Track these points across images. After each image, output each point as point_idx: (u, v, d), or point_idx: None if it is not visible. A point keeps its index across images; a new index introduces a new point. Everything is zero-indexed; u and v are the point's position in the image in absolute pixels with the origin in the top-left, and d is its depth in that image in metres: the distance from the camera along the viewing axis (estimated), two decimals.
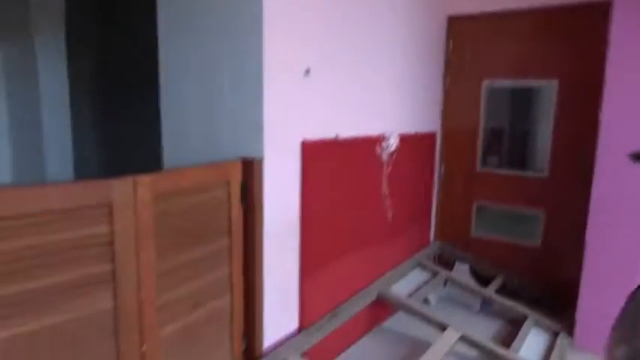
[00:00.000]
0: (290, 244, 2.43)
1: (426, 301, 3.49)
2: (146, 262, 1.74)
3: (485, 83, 3.76)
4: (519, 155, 3.84)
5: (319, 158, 2.51)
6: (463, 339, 2.77)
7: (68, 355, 1.56)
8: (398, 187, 3.26)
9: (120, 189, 1.63)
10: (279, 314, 2.41)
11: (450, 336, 2.75)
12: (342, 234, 2.77)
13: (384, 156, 3.07)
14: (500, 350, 2.73)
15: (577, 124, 3.39)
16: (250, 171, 2.15)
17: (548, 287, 3.54)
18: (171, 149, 2.47)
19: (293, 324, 2.51)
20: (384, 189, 3.12)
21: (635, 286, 1.70)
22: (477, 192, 3.84)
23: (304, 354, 2.38)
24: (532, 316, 3.19)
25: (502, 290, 3.50)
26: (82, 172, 3.67)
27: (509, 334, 3.06)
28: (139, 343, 1.76)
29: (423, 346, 2.73)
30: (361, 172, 2.89)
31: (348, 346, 2.93)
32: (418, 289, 3.28)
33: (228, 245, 2.12)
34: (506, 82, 3.71)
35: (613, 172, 2.81)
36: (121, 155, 3.73)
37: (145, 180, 1.71)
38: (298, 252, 2.47)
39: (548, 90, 3.50)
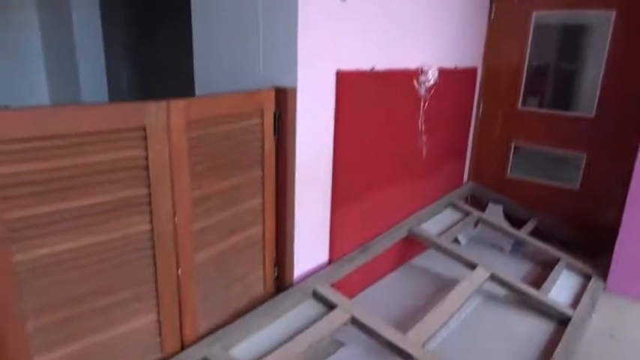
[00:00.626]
0: (322, 176, 2.40)
1: (456, 240, 3.47)
2: (180, 187, 1.75)
3: (535, 15, 3.48)
4: (564, 95, 3.63)
5: (354, 90, 2.41)
6: (493, 278, 2.76)
7: (108, 274, 1.62)
8: (434, 124, 3.15)
9: (154, 113, 1.61)
10: (310, 246, 2.43)
11: (480, 274, 2.74)
12: (374, 169, 2.73)
13: (422, 91, 2.93)
14: (531, 290, 2.72)
15: (632, 62, 3.13)
16: (284, 101, 2.09)
17: (584, 231, 3.46)
18: (203, 77, 2.42)
19: (323, 256, 2.54)
20: (420, 125, 3.01)
21: None
22: (516, 132, 3.68)
23: (333, 285, 2.41)
24: (564, 258, 3.14)
25: (535, 233, 3.44)
26: (117, 99, 3.68)
27: (540, 276, 3.03)
28: (175, 267, 1.81)
29: (451, 283, 2.74)
30: (397, 106, 2.78)
31: (377, 280, 2.98)
32: (449, 228, 3.25)
33: (260, 176, 2.11)
34: (558, 15, 3.42)
35: None
36: (154, 83, 3.70)
37: (179, 104, 1.68)
38: (330, 185, 2.45)
39: (602, 25, 3.21)
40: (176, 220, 1.76)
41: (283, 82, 2.10)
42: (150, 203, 1.67)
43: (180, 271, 1.82)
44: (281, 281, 2.33)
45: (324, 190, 2.44)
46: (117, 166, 1.56)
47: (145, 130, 1.59)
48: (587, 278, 3.02)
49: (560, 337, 2.38)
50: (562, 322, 2.57)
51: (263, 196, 2.15)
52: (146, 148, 1.61)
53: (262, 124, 2.05)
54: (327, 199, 2.47)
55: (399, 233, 2.97)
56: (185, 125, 1.71)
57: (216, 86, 2.36)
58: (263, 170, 2.11)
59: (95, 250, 1.56)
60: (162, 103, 1.62)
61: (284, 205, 2.22)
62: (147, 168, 1.63)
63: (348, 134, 2.45)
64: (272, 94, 2.07)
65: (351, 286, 2.65)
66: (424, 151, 3.14)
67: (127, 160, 1.58)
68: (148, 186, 1.65)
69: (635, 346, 2.47)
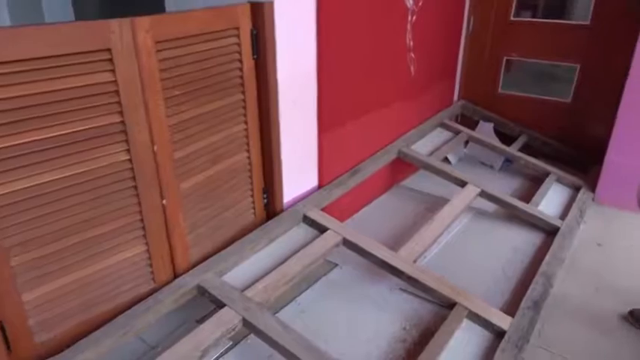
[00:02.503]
0: (307, 99, 2.31)
1: (446, 160, 3.45)
2: (156, 114, 1.66)
3: None
4: (558, 3, 3.47)
5: (337, 2, 2.25)
6: (483, 194, 2.77)
7: (91, 206, 1.57)
8: (423, 39, 3.01)
9: (117, 32, 1.48)
10: (298, 171, 2.40)
11: (470, 191, 2.75)
12: (362, 89, 2.63)
13: (409, 2, 2.76)
14: (520, 204, 2.74)
15: None
16: (260, 17, 1.95)
17: (575, 145, 3.44)
18: None
19: (312, 181, 2.52)
20: (408, 40, 2.87)
21: None
22: (508, 45, 3.54)
23: (324, 209, 2.41)
24: (554, 172, 3.15)
25: (526, 149, 3.42)
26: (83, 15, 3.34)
27: (530, 191, 3.05)
28: (160, 197, 1.77)
29: (442, 202, 2.75)
30: (383, 20, 2.63)
31: (368, 203, 2.99)
32: (439, 148, 3.21)
33: (241, 100, 2.02)
34: None
35: None
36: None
37: (145, 22, 1.55)
38: (315, 107, 2.37)
39: None
40: (155, 148, 1.69)
41: None
42: (125, 132, 1.59)
43: (165, 201, 1.79)
44: (271, 208, 2.32)
45: (310, 113, 2.36)
46: (84, 92, 1.46)
47: (110, 51, 1.48)
48: (577, 190, 3.04)
49: (549, 247, 2.43)
50: (551, 232, 2.61)
51: (246, 122, 2.07)
52: (114, 72, 1.50)
53: (239, 44, 1.93)
54: (313, 122, 2.40)
55: (388, 155, 2.93)
56: (154, 45, 1.59)
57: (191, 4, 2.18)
58: (244, 94, 2.01)
59: (74, 182, 1.51)
60: (126, 21, 1.49)
61: (268, 130, 2.15)
62: (117, 93, 1.53)
63: (332, 52, 2.32)
64: (247, 10, 1.92)
65: (342, 210, 2.66)
66: (413, 69, 3.02)
67: (95, 86, 1.48)
68: (121, 113, 1.56)
69: (620, 253, 2.54)
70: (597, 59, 3.24)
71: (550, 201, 2.89)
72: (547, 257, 2.33)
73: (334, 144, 2.55)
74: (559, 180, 3.12)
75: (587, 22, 3.21)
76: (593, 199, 3.00)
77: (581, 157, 3.39)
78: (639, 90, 2.70)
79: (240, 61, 1.96)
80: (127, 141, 1.60)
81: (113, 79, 1.51)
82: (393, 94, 2.95)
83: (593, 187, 3.03)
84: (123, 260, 1.72)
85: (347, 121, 2.60)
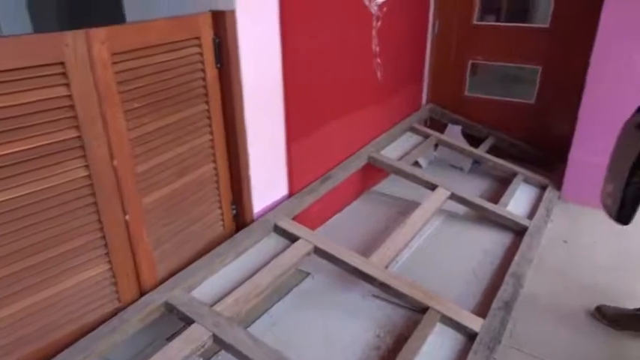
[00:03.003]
0: (274, 107, 2.29)
1: (416, 164, 3.48)
2: (115, 128, 1.62)
3: None
4: (521, 6, 3.56)
5: (301, 9, 2.25)
6: (453, 197, 2.80)
7: (47, 225, 1.51)
8: (389, 45, 3.03)
9: (71, 45, 1.44)
10: (268, 180, 2.37)
11: (440, 194, 2.77)
12: (329, 96, 2.63)
13: (373, 8, 2.78)
14: (489, 205, 2.78)
15: None
16: (222, 26, 1.92)
17: (541, 145, 3.52)
18: (133, 3, 2.18)
19: (282, 190, 2.50)
20: (374, 46, 2.89)
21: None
22: (473, 49, 3.60)
23: (295, 218, 2.39)
24: (521, 172, 3.22)
25: (494, 150, 3.48)
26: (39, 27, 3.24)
27: (499, 191, 3.11)
28: (122, 213, 1.72)
29: (413, 206, 2.76)
30: (348, 26, 2.64)
31: (339, 210, 2.98)
32: (409, 152, 3.24)
33: (205, 110, 1.99)
34: None
35: (619, 19, 2.59)
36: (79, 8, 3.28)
37: (100, 34, 1.50)
38: (283, 115, 2.35)
39: None
40: (115, 163, 1.64)
41: (220, 5, 1.92)
42: (83, 147, 1.54)
43: (127, 216, 1.73)
44: (241, 219, 2.28)
45: (278, 121, 2.35)
46: (37, 108, 1.41)
47: (63, 64, 1.43)
48: (543, 189, 3.11)
49: (518, 247, 2.47)
50: (519, 232, 2.66)
51: (211, 132, 2.04)
52: (68, 86, 1.45)
53: (201, 53, 1.90)
54: (281, 130, 2.38)
55: (359, 161, 2.94)
56: (110, 57, 1.54)
57: (153, 14, 2.14)
58: (208, 104, 1.98)
59: (30, 201, 1.45)
60: (80, 33, 1.45)
61: (235, 140, 2.12)
62: (73, 108, 1.48)
63: (297, 60, 2.31)
64: (208, 19, 1.90)
65: (313, 218, 2.64)
66: (380, 75, 3.04)
67: (48, 100, 1.42)
68: (78, 128, 1.51)
69: (585, 249, 2.61)
70: (558, 61, 3.33)
71: (518, 201, 2.95)
72: (516, 257, 2.37)
73: (304, 151, 2.54)
74: (526, 180, 3.19)
75: (547, 25, 3.30)
76: (559, 197, 3.07)
77: (546, 157, 3.47)
78: (598, 90, 2.79)
79: (203, 70, 1.93)
80: (84, 156, 1.55)
81: (68, 93, 1.46)
82: (361, 100, 2.95)
83: (559, 186, 3.10)
84: (84, 280, 1.66)
85: (316, 128, 2.59)
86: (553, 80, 3.39)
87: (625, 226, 1.68)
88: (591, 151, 2.89)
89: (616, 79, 2.72)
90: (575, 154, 2.97)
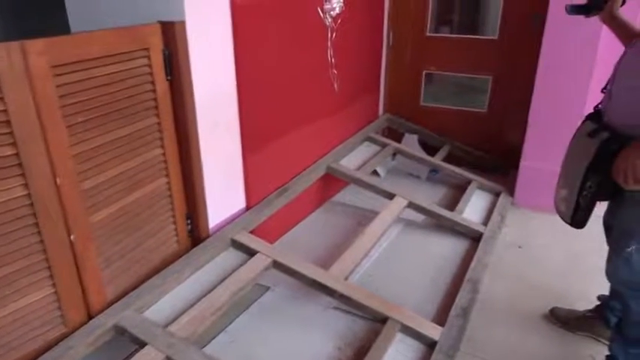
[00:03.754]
0: (228, 119, 2.26)
1: (375, 173, 3.51)
2: (57, 144, 1.54)
3: None
4: (472, 19, 3.69)
5: (254, 20, 2.23)
6: (410, 205, 2.83)
7: None
8: (345, 56, 3.05)
9: (5, 57, 1.36)
10: (224, 194, 2.33)
11: (398, 203, 2.79)
12: (286, 107, 2.61)
13: (328, 20, 2.80)
14: (445, 212, 2.83)
15: None
16: (172, 36, 1.87)
17: (494, 152, 3.62)
18: (78, 15, 2.10)
19: (239, 203, 2.45)
20: (330, 57, 2.90)
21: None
22: (427, 59, 3.68)
23: (253, 232, 2.35)
24: (476, 180, 3.29)
25: (449, 158, 3.55)
26: None
27: (455, 199, 3.17)
28: (66, 233, 1.63)
29: (372, 215, 2.77)
30: (304, 37, 2.64)
31: (298, 222, 2.96)
32: (367, 161, 3.26)
33: (156, 123, 1.93)
34: None
35: (562, 30, 2.72)
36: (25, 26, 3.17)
37: (38, 45, 1.43)
38: (238, 127, 2.32)
39: None
40: (58, 181, 1.56)
41: (169, 15, 1.88)
42: (21, 164, 1.45)
43: (73, 236, 1.65)
44: (196, 234, 2.22)
45: (233, 133, 2.31)
46: None
47: None
48: (497, 196, 3.19)
49: (474, 253, 2.52)
50: (475, 238, 2.71)
51: (163, 146, 1.98)
52: (3, 100, 1.37)
53: (150, 65, 1.84)
54: (237, 142, 2.34)
55: (317, 171, 2.93)
56: (50, 70, 1.47)
57: (99, 25, 2.06)
58: (158, 117, 1.92)
59: None
60: (14, 45, 1.37)
61: (188, 153, 2.07)
62: (9, 124, 1.40)
63: (252, 71, 2.29)
64: (157, 29, 1.85)
65: (272, 231, 2.61)
66: (336, 86, 3.05)
67: None
68: (14, 145, 1.42)
69: (538, 253, 2.69)
70: (507, 71, 3.44)
71: (473, 207, 3.01)
72: (472, 264, 2.41)
73: (261, 163, 2.50)
74: (481, 187, 3.27)
75: (496, 37, 3.42)
76: (512, 203, 3.16)
77: (500, 164, 3.57)
78: (545, 98, 2.90)
79: (153, 83, 1.87)
80: (23, 175, 1.46)
81: (3, 108, 1.37)
82: (318, 110, 2.95)
83: (511, 192, 3.19)
84: (26, 306, 1.56)
85: (272, 139, 2.57)
86: (503, 89, 3.51)
87: (577, 230, 1.73)
88: (541, 157, 3.00)
89: (562, 88, 2.84)
90: (526, 162, 3.07)
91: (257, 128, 2.43)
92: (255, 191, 2.50)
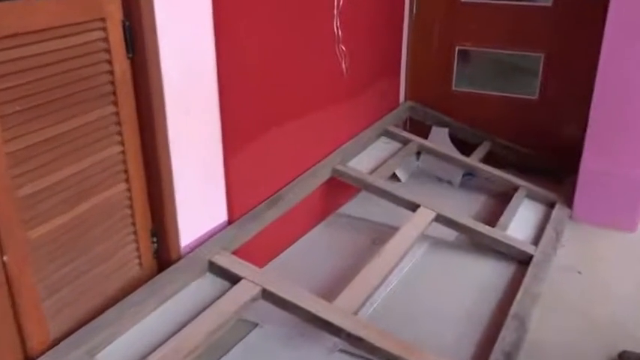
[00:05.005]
0: (206, 107, 2.28)
1: (394, 177, 3.52)
2: None
3: None
4: None
5: None
6: (439, 219, 2.84)
7: None
8: (356, 28, 3.07)
9: None
10: (200, 203, 2.35)
11: (423, 216, 2.80)
12: (280, 93, 2.63)
13: None
14: (485, 228, 2.83)
15: None
16: (135, 4, 1.89)
17: (548, 151, 3.62)
18: None
19: (219, 216, 2.47)
20: (337, 30, 2.92)
21: None
22: (461, 32, 3.70)
23: (236, 252, 2.36)
24: (524, 186, 3.30)
25: (489, 158, 3.56)
26: None
27: (497, 210, 3.17)
28: None
29: (391, 231, 2.77)
30: (304, 5, 2.66)
31: (296, 239, 2.97)
32: (384, 162, 3.28)
33: (114, 113, 1.94)
34: None
35: None
36: None
37: None
38: (218, 118, 2.34)
39: None
40: None
41: None
42: None
43: (6, 257, 1.66)
44: (164, 255, 2.24)
45: (211, 126, 2.33)
46: None
47: None
48: (551, 207, 3.19)
49: (521, 280, 2.52)
50: (523, 262, 2.72)
51: (122, 142, 1.99)
52: None
53: (107, 39, 1.86)
54: (216, 137, 2.36)
55: (320, 175, 2.95)
56: None
57: None
58: (116, 104, 1.94)
59: None
60: None
61: (155, 152, 2.08)
62: None
63: (236, 47, 2.31)
64: None
65: (261, 252, 2.62)
66: (344, 66, 3.07)
67: None
68: None
69: (603, 279, 2.69)
70: (564, 46, 3.45)
71: (520, 222, 3.02)
72: (519, 294, 2.41)
73: (247, 164, 2.52)
74: (530, 195, 3.27)
75: (549, 4, 3.42)
76: (570, 217, 3.16)
77: (554, 166, 3.57)
78: (612, 81, 2.88)
79: (110, 62, 1.89)
80: None
81: None
82: (322, 98, 2.97)
83: (570, 202, 3.19)
84: None
85: (263, 133, 2.58)
86: (559, 70, 3.52)
87: None
88: (607, 158, 2.99)
89: (635, 68, 2.83)
90: (588, 163, 3.06)
91: (243, 120, 2.44)
92: (239, 200, 2.51)
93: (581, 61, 3.25)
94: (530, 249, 2.75)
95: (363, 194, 3.24)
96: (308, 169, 2.93)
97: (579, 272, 2.74)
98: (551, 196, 3.26)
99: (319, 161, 3.02)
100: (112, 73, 1.90)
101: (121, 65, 1.92)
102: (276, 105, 2.63)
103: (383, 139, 3.53)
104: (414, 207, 2.88)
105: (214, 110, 2.31)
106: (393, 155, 3.38)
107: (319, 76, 2.92)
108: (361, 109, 3.39)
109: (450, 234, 2.93)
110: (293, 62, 2.67)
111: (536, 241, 2.85)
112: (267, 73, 2.52)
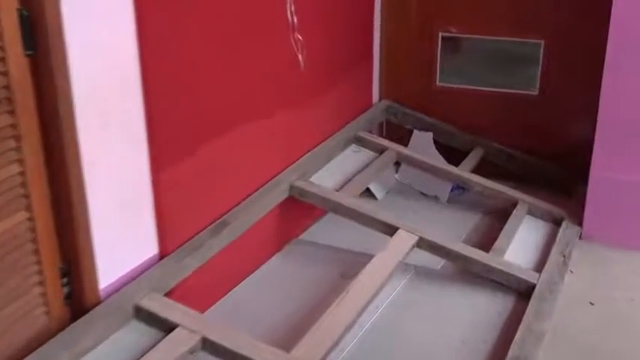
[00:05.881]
0: (127, 116, 2.27)
1: (368, 193, 3.53)
2: None
3: None
4: None
5: None
6: (423, 243, 2.86)
7: None
8: (315, 13, 3.12)
9: None
10: (122, 235, 2.33)
11: (403, 241, 2.82)
12: (222, 95, 2.65)
13: None
14: (477, 254, 2.86)
15: None
16: None
17: (551, 158, 3.69)
18: None
19: (148, 249, 2.45)
20: (290, 16, 2.94)
21: None
22: (444, 15, 3.76)
23: (170, 293, 2.34)
24: (524, 200, 3.34)
25: (482, 168, 3.61)
26: None
27: (492, 231, 3.22)
28: None
29: (363, 261, 2.77)
30: None
31: (246, 276, 2.96)
32: (354, 176, 3.29)
33: (9, 125, 1.92)
34: None
35: None
36: None
37: None
38: (144, 128, 2.33)
39: None
40: None
41: None
42: None
43: None
44: (78, 300, 2.21)
45: (135, 137, 2.31)
46: None
47: None
48: (557, 225, 3.25)
49: (522, 316, 2.55)
50: (524, 293, 2.75)
51: (21, 160, 1.97)
52: None
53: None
54: (142, 150, 2.35)
55: (275, 193, 2.95)
56: None
57: None
58: (13, 114, 1.91)
59: None
60: None
61: (63, 172, 2.06)
62: None
63: (164, 38, 2.31)
64: None
65: (202, 292, 2.62)
66: (301, 59, 3.08)
67: None
68: None
69: (620, 311, 2.73)
70: (567, 32, 3.52)
71: (521, 245, 3.06)
72: (519, 332, 2.44)
73: (182, 185, 2.51)
74: (531, 211, 3.32)
75: None
76: (580, 236, 3.21)
77: (560, 175, 3.63)
78: (623, 72, 2.94)
79: (3, 60, 1.87)
80: None
81: None
82: (274, 99, 2.99)
83: (579, 218, 3.24)
84: None
85: (200, 146, 2.58)
86: (562, 60, 3.58)
87: None
88: (622, 163, 3.05)
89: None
90: (599, 171, 3.12)
91: (176, 131, 2.44)
92: (174, 229, 2.51)
93: (590, 48, 3.28)
94: (532, 277, 2.79)
95: (330, 216, 3.25)
96: (260, 188, 2.94)
97: (592, 304, 2.78)
98: (556, 211, 3.32)
99: (273, 177, 3.03)
100: (5, 74, 1.88)
101: (18, 65, 1.90)
102: (217, 111, 2.63)
103: (353, 147, 3.55)
104: (391, 230, 2.89)
105: (139, 118, 2.30)
106: (365, 167, 3.40)
107: (270, 73, 2.93)
108: (325, 112, 3.41)
109: (435, 262, 2.95)
110: (237, 58, 2.68)
111: (539, 267, 2.89)
112: (205, 72, 2.53)
